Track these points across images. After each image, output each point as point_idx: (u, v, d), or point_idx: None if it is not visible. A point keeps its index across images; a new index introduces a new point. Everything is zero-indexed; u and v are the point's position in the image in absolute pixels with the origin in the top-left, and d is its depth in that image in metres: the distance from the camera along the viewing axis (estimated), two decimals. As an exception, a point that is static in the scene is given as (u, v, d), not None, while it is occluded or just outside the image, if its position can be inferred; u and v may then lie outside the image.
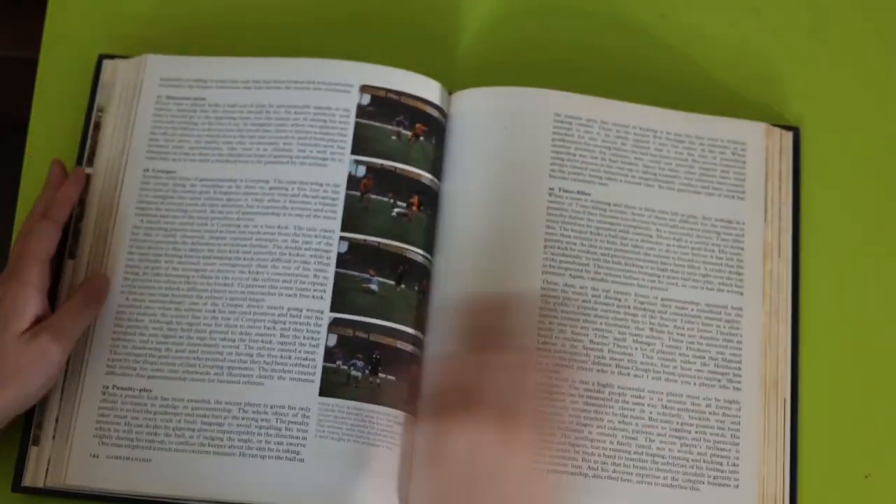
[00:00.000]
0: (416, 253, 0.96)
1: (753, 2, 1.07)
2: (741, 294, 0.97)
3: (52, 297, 0.96)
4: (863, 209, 1.02)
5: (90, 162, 0.99)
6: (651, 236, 0.98)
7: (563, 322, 0.95)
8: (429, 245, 0.97)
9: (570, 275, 0.96)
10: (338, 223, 0.96)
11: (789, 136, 1.02)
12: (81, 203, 0.98)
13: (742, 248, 0.98)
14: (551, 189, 0.99)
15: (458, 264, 0.97)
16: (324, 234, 0.96)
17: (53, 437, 0.92)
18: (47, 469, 0.92)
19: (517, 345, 0.94)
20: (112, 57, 1.02)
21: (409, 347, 0.94)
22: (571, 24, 1.06)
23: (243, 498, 0.91)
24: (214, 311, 0.95)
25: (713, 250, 0.98)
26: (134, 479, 0.91)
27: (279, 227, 0.96)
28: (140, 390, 0.93)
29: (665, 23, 1.06)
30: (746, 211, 0.99)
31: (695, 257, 0.98)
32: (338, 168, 0.98)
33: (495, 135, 1.00)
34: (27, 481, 0.92)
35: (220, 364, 0.93)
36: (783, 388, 0.96)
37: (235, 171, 0.98)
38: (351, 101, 0.99)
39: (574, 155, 1.00)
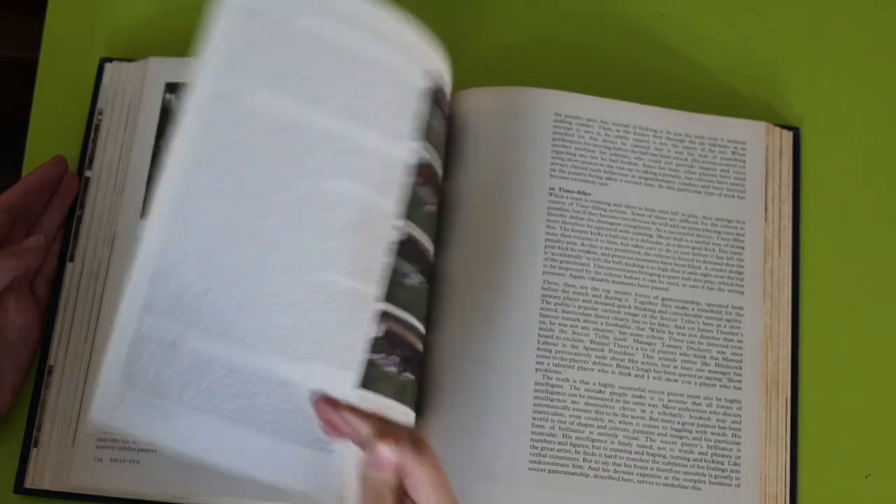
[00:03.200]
0: (430, 252, 0.95)
1: (753, 2, 1.07)
2: (742, 293, 0.98)
3: (54, 303, 0.96)
4: (863, 208, 1.02)
5: (90, 165, 0.99)
6: (651, 236, 0.98)
7: (564, 322, 0.95)
8: (435, 244, 0.97)
9: (571, 275, 0.97)
10: (397, 208, 0.90)
11: (789, 135, 1.02)
12: (81, 206, 0.98)
13: (742, 248, 0.99)
14: (552, 189, 0.99)
15: (459, 265, 0.97)
16: (383, 216, 0.89)
17: (73, 442, 0.92)
18: (58, 472, 0.92)
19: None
20: (113, 60, 1.02)
21: (421, 348, 0.94)
22: (571, 23, 1.06)
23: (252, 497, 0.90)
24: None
25: (713, 250, 0.98)
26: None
27: (349, 195, 0.87)
28: None
29: (665, 22, 1.06)
30: (747, 210, 0.99)
31: (695, 257, 0.98)
32: (405, 148, 0.91)
33: (496, 135, 1.00)
34: (30, 483, 0.92)
35: None
36: (784, 388, 0.96)
37: (308, 114, 0.87)
38: (418, 79, 0.93)
39: (574, 155, 1.00)
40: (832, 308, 0.99)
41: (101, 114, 1.00)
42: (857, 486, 0.95)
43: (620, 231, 0.98)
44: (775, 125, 1.02)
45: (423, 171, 0.92)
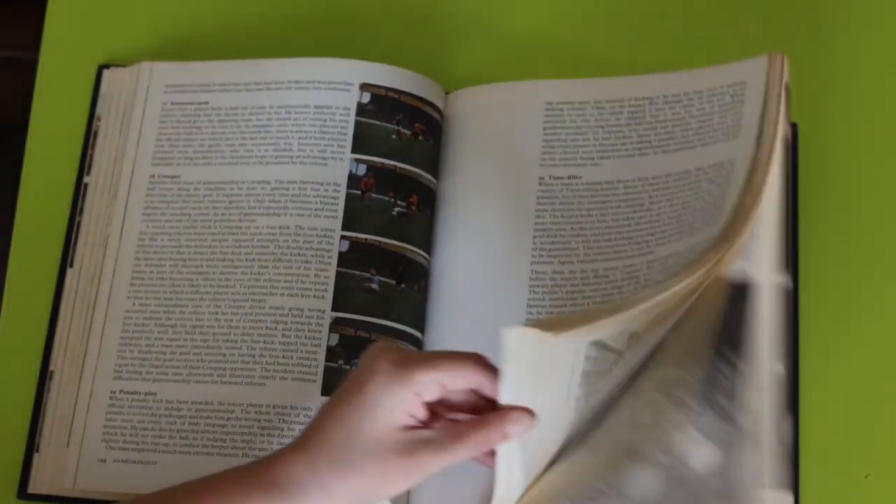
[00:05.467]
0: (415, 252, 0.96)
1: (753, 2, 1.07)
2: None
3: (56, 304, 0.97)
4: (863, 204, 1.01)
5: (89, 171, 1.00)
6: (643, 204, 0.96)
7: (551, 310, 0.95)
8: (427, 245, 0.97)
9: (559, 261, 0.96)
10: (339, 222, 0.96)
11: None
12: (81, 211, 0.99)
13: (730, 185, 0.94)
14: (541, 178, 0.98)
15: (456, 264, 0.97)
16: (325, 234, 0.96)
17: (67, 444, 0.93)
18: (54, 475, 0.93)
19: None
20: (110, 66, 1.03)
21: (409, 347, 0.94)
22: (570, 23, 1.06)
23: None
24: (217, 313, 0.95)
25: (703, 196, 0.94)
26: (140, 483, 0.91)
27: (280, 227, 0.96)
28: (146, 394, 0.94)
29: (665, 22, 1.06)
30: (738, 149, 0.93)
31: (684, 210, 0.95)
32: (338, 167, 0.98)
33: (488, 132, 1.00)
34: (32, 488, 0.93)
35: (222, 366, 0.94)
36: (785, 385, 0.95)
37: (237, 173, 0.99)
38: (351, 99, 0.99)
39: (565, 140, 0.99)
40: (831, 306, 0.99)
41: (99, 119, 1.02)
42: (857, 486, 0.95)
43: (611, 208, 0.97)
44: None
45: (367, 181, 0.98)
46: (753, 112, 0.92)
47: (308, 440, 0.79)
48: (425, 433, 0.78)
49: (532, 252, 0.96)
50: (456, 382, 0.79)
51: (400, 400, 0.78)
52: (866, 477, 0.95)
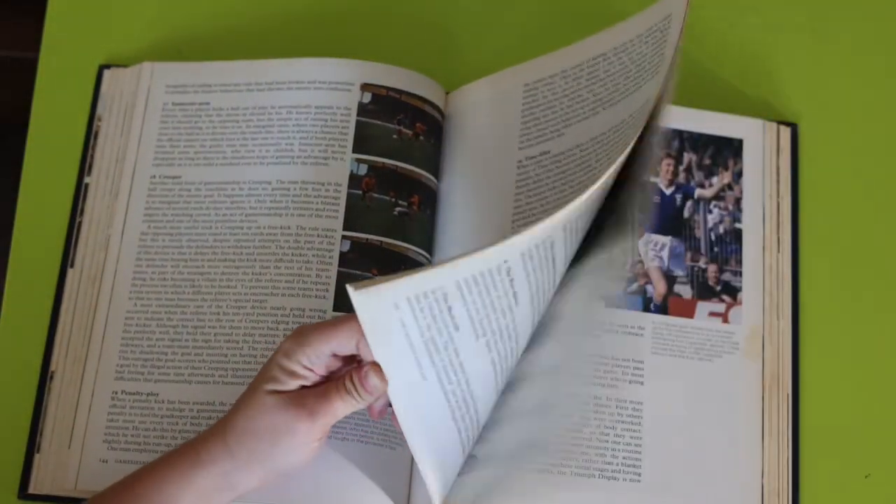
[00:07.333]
0: (416, 252, 0.96)
1: (753, 2, 1.07)
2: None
3: (57, 305, 0.97)
4: (862, 203, 1.02)
5: (89, 171, 1.00)
6: (591, 165, 0.96)
7: None
8: (428, 245, 0.98)
9: None
10: (340, 222, 0.96)
11: (787, 131, 1.02)
12: (81, 212, 0.99)
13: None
14: (519, 162, 0.98)
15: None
16: (326, 234, 0.96)
17: (69, 445, 0.93)
18: (55, 475, 0.93)
19: None
20: (111, 66, 1.03)
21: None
22: (569, 23, 1.06)
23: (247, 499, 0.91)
24: (218, 313, 0.95)
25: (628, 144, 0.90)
26: None
27: (281, 227, 0.97)
28: (147, 394, 0.94)
29: (665, 22, 1.06)
30: (657, 84, 0.89)
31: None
32: (339, 167, 0.98)
33: (482, 127, 1.00)
34: (33, 488, 0.93)
35: (224, 366, 0.94)
36: (785, 384, 0.96)
37: (238, 173, 0.99)
38: (352, 99, 0.99)
39: (539, 119, 0.99)
40: (832, 304, 0.99)
41: (99, 120, 1.02)
42: (857, 486, 0.95)
43: (569, 176, 0.97)
44: (774, 121, 1.02)
45: (368, 181, 0.98)
46: (671, 45, 0.91)
47: (224, 418, 0.84)
48: (298, 398, 0.83)
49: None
50: (342, 347, 0.83)
51: (290, 375, 0.83)
52: (866, 477, 0.95)
